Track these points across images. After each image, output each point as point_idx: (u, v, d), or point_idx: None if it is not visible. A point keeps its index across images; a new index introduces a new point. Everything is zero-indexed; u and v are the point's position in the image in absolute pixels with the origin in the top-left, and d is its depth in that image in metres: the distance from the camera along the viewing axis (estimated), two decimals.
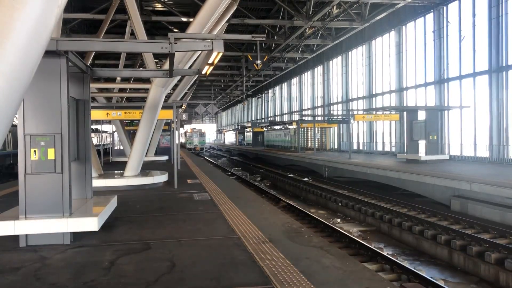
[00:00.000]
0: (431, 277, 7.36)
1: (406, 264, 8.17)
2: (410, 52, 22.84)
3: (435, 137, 17.92)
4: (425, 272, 8.00)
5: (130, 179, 11.72)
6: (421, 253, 9.85)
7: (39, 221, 5.51)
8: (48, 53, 5.38)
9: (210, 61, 7.95)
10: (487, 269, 7.98)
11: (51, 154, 5.65)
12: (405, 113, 19.88)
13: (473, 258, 8.36)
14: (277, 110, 49.79)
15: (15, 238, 5.69)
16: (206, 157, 43.22)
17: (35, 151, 5.61)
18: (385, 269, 8.04)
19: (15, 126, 7.23)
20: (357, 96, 28.88)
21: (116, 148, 27.13)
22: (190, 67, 11.62)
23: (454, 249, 8.93)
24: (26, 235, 5.67)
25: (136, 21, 12.25)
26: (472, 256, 8.43)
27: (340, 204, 14.91)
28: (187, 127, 59.30)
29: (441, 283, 7.05)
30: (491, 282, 7.82)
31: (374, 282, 4.24)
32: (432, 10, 20.47)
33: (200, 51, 10.87)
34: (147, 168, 14.97)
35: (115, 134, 25.86)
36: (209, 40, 6.04)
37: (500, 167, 15.27)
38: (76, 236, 5.97)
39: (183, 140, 54.64)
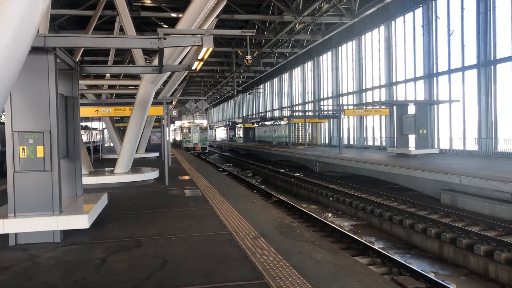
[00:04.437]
0: (422, 270, 7.43)
1: (397, 257, 8.24)
2: (400, 47, 22.96)
3: (425, 131, 18.05)
4: (415, 265, 8.08)
5: (120, 176, 11.65)
6: (411, 247, 9.94)
7: (29, 220, 5.46)
8: (36, 50, 5.31)
9: (200, 57, 7.92)
10: (476, 261, 8.07)
11: (40, 151, 5.58)
12: (395, 107, 19.99)
13: (463, 251, 8.46)
14: (268, 106, 49.76)
15: (4, 237, 5.62)
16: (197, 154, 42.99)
17: (23, 148, 5.54)
18: (376, 262, 8.11)
19: (3, 124, 7.14)
20: (347, 91, 28.97)
21: (106, 145, 26.97)
22: (180, 63, 11.55)
23: (444, 242, 9.03)
24: (16, 234, 5.61)
25: (125, 17, 12.16)
26: (462, 248, 8.52)
27: (331, 198, 14.97)
28: (183, 122, 48.16)
29: (431, 276, 7.12)
30: (481, 274, 7.92)
31: (365, 275, 4.26)
32: (421, 5, 20.57)
33: (190, 47, 10.82)
34: (137, 165, 14.87)
35: (105, 131, 25.69)
36: (199, 35, 5.99)
37: (488, 160, 15.45)
38: (67, 234, 5.92)
39: (178, 137, 46.91)
